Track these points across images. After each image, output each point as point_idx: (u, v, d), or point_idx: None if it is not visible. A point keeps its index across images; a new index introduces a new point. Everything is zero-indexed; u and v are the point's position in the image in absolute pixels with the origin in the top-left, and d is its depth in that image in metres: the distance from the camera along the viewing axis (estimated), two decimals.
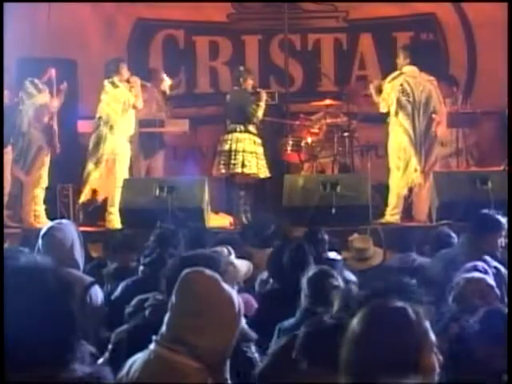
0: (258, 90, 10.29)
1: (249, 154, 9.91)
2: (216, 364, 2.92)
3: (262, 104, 10.11)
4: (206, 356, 2.88)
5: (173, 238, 6.24)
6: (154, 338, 2.98)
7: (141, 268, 5.76)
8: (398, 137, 9.73)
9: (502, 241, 6.46)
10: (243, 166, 9.88)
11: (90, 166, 9.75)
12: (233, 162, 9.89)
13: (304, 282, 4.77)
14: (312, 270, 4.93)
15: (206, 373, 2.87)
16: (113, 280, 6.14)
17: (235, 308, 2.96)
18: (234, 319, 2.96)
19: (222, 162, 9.94)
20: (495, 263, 5.97)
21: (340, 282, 4.80)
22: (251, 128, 10.02)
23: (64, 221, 6.45)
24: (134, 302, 4.52)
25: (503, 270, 5.85)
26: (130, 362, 3.04)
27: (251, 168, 9.94)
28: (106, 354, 4.13)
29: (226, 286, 3.01)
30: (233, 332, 2.97)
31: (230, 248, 6.18)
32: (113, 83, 9.77)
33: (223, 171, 9.96)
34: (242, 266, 5.08)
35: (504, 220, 6.50)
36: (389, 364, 2.21)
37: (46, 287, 2.46)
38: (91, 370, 2.49)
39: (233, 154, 9.90)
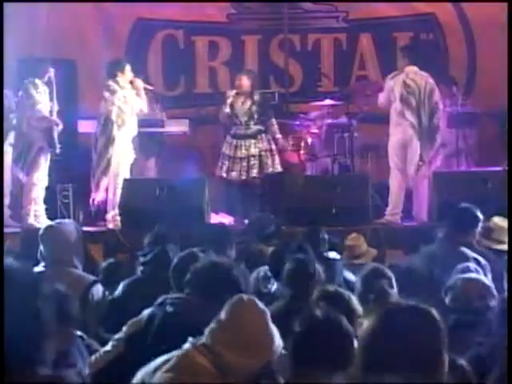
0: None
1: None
2: (232, 377, 3.07)
3: (223, 107, 9.96)
4: (227, 368, 3.05)
5: (171, 235, 6.26)
6: (190, 339, 3.17)
7: (140, 268, 5.76)
8: (402, 132, 9.66)
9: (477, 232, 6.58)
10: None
11: (102, 167, 9.71)
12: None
13: (358, 279, 4.80)
14: (366, 268, 4.99)
15: (220, 381, 3.04)
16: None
17: (274, 345, 3.15)
18: (268, 355, 3.14)
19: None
20: (474, 254, 6.03)
21: (393, 282, 4.83)
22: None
23: (66, 220, 6.45)
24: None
25: (482, 260, 5.94)
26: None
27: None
28: (117, 344, 4.13)
29: (271, 324, 3.20)
30: (261, 363, 3.14)
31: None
32: (118, 83, 9.74)
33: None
34: None
35: (478, 213, 6.58)
36: (410, 361, 2.22)
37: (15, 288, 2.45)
38: (53, 373, 2.50)
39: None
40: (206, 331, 3.20)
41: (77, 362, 3.72)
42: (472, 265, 5.27)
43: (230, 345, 3.10)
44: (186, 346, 3.19)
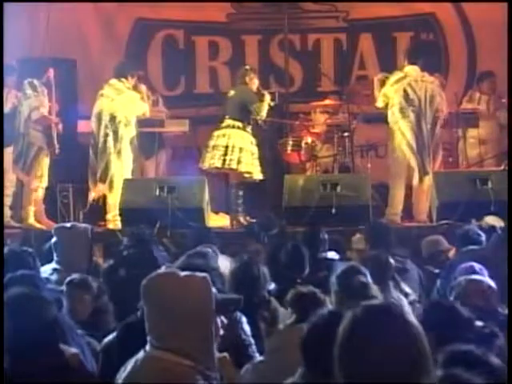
0: (262, 91, 9.95)
1: (245, 152, 9.74)
2: (204, 361, 2.93)
3: (266, 104, 9.82)
4: (194, 353, 2.90)
5: (150, 236, 6.26)
6: (148, 338, 2.99)
7: (123, 270, 5.74)
8: (399, 142, 9.69)
9: None
10: (239, 162, 9.72)
11: (114, 160, 9.69)
12: (229, 157, 9.73)
13: (333, 278, 4.80)
14: (341, 267, 4.97)
15: (195, 370, 2.89)
16: None
17: (201, 296, 2.95)
18: (202, 308, 2.95)
19: (217, 156, 9.77)
20: None
21: (368, 279, 4.81)
22: (249, 127, 9.89)
23: (77, 224, 6.46)
24: None
25: None
26: (126, 363, 3.05)
27: (247, 166, 9.78)
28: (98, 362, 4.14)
29: (186, 278, 2.99)
30: (208, 320, 2.95)
31: (216, 248, 6.21)
32: (123, 83, 9.75)
33: (218, 165, 9.80)
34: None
35: None
36: (388, 366, 2.17)
37: None
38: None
39: (229, 149, 9.73)
40: (147, 327, 3.07)
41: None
42: (476, 265, 5.25)
43: (172, 327, 2.96)
44: (146, 347, 3.04)
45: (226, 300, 3.20)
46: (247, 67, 10.20)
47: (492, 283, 4.84)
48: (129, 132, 9.77)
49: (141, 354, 2.98)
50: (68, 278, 5.09)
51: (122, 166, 9.74)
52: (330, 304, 4.04)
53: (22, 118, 9.60)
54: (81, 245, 5.77)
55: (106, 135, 9.70)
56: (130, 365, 3.01)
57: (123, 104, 9.69)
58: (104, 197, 9.90)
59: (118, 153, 9.69)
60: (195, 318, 2.91)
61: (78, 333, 4.28)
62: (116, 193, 9.64)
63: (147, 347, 2.97)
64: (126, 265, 5.66)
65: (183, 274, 3.00)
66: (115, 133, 9.68)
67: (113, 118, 9.69)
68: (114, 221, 9.64)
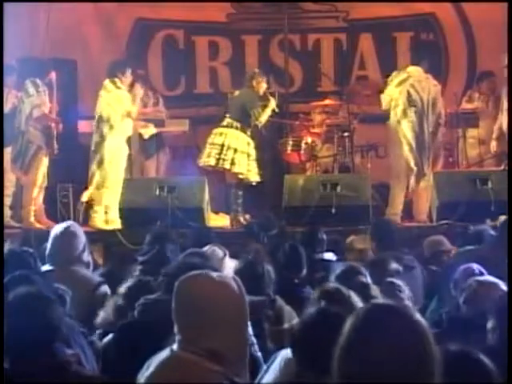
0: (269, 96, 9.86)
1: (240, 153, 9.68)
2: (235, 366, 2.86)
3: (269, 110, 9.75)
4: (226, 357, 2.83)
5: (170, 235, 6.27)
6: (176, 338, 2.92)
7: (139, 267, 5.75)
8: (400, 143, 9.70)
9: None
10: (232, 163, 9.63)
11: (94, 165, 9.70)
12: (223, 157, 9.66)
13: (332, 279, 4.78)
14: (340, 267, 4.96)
15: (223, 375, 2.81)
16: None
17: (235, 299, 2.90)
18: (237, 310, 2.90)
19: (213, 154, 9.74)
20: None
21: (368, 279, 4.80)
22: (248, 129, 9.83)
23: (75, 223, 6.46)
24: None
25: None
26: (149, 361, 3.02)
27: (240, 168, 9.71)
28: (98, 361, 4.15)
29: (220, 279, 2.93)
30: (243, 324, 2.91)
31: (224, 248, 6.21)
32: (114, 83, 9.73)
33: (212, 164, 9.73)
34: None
35: None
36: (392, 367, 2.16)
37: None
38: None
39: (224, 149, 9.68)
40: (177, 326, 2.96)
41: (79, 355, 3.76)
42: (475, 265, 5.22)
43: (205, 330, 2.86)
44: (173, 347, 2.93)
45: (254, 302, 3.16)
46: (256, 70, 10.10)
47: (503, 286, 4.76)
48: (117, 131, 9.70)
49: (167, 353, 2.92)
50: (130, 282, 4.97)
51: (107, 167, 9.69)
52: (356, 301, 4.00)
53: (22, 116, 9.59)
54: (74, 244, 5.74)
55: (95, 134, 9.72)
56: (154, 363, 2.95)
57: (108, 103, 9.69)
58: None
59: (104, 152, 9.67)
60: (230, 322, 2.85)
61: (78, 332, 4.29)
62: (104, 192, 9.64)
63: (174, 347, 2.90)
64: (148, 264, 5.68)
65: (216, 275, 2.94)
66: (101, 132, 9.69)
67: (100, 118, 9.71)
68: (93, 217, 9.64)
